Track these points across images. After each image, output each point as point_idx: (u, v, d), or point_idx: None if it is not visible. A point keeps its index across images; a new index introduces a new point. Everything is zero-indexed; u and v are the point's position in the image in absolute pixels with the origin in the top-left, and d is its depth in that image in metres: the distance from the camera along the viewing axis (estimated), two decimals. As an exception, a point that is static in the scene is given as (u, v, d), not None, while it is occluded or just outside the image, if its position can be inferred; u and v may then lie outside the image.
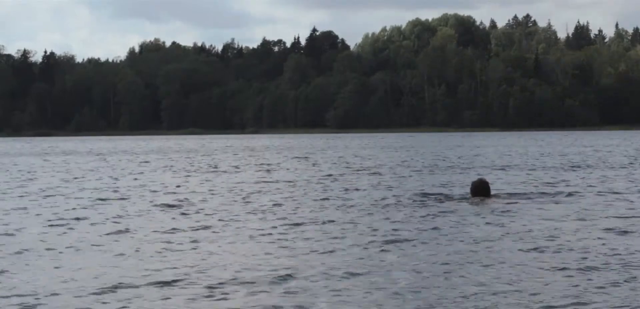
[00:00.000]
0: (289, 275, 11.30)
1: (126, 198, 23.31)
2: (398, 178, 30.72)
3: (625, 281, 10.89)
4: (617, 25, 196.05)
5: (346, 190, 25.47)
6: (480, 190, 20.77)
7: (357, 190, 25.31)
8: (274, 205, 20.78)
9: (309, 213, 18.73)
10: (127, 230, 16.16)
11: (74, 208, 20.60)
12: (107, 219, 18.15)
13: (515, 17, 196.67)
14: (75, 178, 34.46)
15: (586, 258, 12.53)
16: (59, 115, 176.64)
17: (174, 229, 16.27)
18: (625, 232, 15.23)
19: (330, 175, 33.23)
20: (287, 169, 38.77)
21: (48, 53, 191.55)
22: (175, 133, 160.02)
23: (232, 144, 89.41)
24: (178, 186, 28.14)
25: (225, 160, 49.78)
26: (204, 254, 13.18)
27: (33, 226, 16.97)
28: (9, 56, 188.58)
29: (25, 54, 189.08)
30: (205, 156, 57.60)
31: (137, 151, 70.60)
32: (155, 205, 21.04)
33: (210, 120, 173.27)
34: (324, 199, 22.22)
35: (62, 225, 17.14)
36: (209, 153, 64.20)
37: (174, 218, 18.23)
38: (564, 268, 11.70)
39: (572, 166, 37.44)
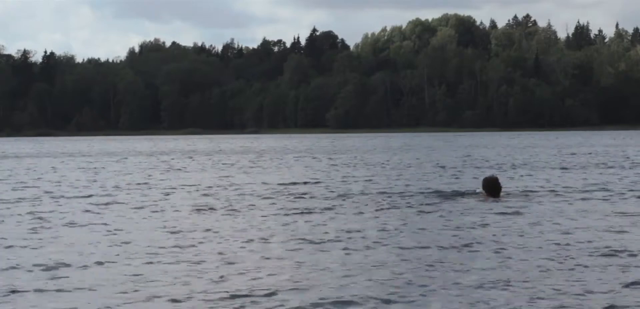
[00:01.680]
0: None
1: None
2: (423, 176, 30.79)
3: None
4: (617, 25, 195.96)
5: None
6: (492, 187, 20.92)
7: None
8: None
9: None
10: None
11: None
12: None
13: (515, 17, 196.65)
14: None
15: (581, 254, 12.56)
16: (59, 115, 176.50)
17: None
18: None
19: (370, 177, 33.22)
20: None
21: (48, 53, 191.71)
22: (175, 133, 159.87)
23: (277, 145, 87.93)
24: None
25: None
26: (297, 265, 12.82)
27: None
28: (9, 56, 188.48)
29: (25, 54, 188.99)
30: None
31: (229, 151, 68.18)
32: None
33: (210, 120, 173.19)
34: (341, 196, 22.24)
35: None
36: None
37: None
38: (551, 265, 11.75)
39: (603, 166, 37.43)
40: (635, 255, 12.48)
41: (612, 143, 72.55)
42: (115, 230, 16.07)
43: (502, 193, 20.93)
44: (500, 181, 21.39)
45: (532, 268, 11.58)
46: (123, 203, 21.64)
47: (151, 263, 12.33)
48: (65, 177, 34.21)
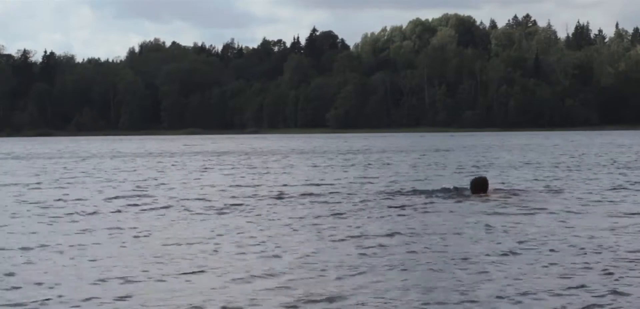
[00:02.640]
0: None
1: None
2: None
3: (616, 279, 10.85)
4: (617, 25, 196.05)
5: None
6: (479, 187, 21.47)
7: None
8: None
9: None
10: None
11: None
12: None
13: (515, 17, 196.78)
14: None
15: (560, 252, 12.58)
16: (59, 115, 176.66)
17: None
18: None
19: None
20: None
21: (48, 53, 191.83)
22: (175, 133, 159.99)
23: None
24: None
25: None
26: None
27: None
28: (9, 56, 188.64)
29: (25, 54, 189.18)
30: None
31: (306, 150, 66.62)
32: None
33: (210, 120, 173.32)
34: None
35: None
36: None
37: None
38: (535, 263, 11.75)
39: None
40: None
41: None
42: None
43: (489, 190, 21.44)
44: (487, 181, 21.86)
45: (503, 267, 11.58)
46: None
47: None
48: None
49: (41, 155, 65.14)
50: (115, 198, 23.55)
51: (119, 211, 19.89)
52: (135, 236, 15.35)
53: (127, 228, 16.46)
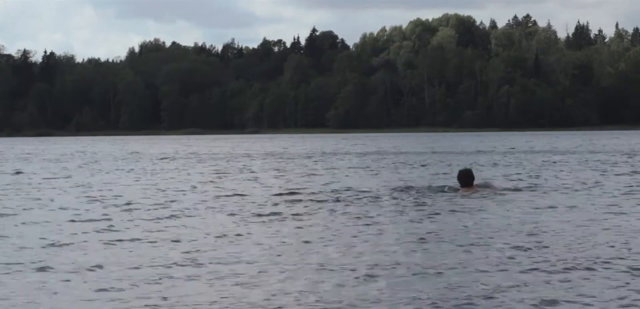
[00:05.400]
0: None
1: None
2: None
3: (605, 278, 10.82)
4: (617, 25, 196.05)
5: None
6: (465, 178, 21.89)
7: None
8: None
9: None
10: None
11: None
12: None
13: (516, 17, 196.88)
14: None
15: (539, 247, 12.65)
16: (59, 115, 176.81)
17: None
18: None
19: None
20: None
21: (48, 53, 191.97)
22: (175, 133, 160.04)
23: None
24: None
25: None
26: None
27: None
28: (9, 56, 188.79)
29: (25, 54, 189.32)
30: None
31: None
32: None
33: (210, 120, 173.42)
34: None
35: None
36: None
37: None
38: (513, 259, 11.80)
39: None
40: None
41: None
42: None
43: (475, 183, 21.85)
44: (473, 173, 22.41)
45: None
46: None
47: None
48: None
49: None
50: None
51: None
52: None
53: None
